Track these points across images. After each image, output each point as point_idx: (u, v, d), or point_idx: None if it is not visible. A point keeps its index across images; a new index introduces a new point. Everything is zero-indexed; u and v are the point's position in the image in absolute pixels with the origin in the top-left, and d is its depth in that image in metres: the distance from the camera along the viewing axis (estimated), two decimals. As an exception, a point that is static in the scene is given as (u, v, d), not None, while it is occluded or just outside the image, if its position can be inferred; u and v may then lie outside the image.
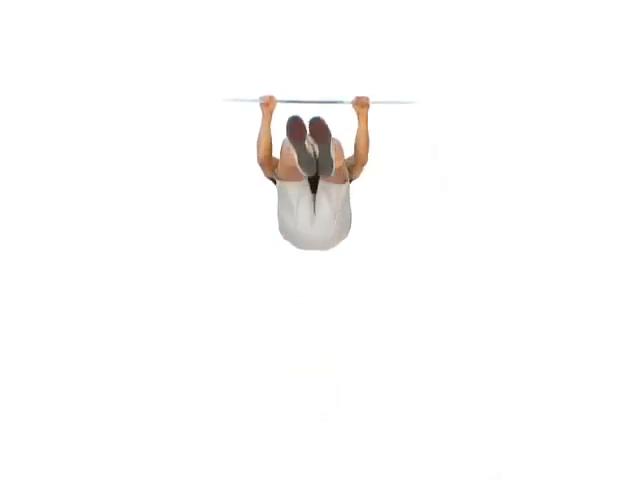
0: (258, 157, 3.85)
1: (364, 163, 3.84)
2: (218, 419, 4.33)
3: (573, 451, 4.01)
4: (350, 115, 3.85)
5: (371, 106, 3.84)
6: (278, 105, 3.82)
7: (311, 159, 3.54)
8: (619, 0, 5.17)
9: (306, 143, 3.50)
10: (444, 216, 5.30)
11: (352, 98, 3.86)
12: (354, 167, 3.85)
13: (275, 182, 3.90)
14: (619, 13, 5.18)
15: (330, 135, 3.47)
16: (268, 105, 3.81)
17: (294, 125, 3.46)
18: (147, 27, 5.14)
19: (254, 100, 3.84)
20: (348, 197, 3.75)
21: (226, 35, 5.10)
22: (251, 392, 4.54)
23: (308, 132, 3.49)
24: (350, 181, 3.89)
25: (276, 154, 3.88)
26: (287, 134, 3.47)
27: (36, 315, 5.13)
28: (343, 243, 3.95)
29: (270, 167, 3.87)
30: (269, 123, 3.82)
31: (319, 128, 3.45)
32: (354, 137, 3.79)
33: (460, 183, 5.31)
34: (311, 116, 3.56)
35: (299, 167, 3.51)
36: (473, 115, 5.21)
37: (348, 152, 3.85)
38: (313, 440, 4.03)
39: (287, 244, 3.93)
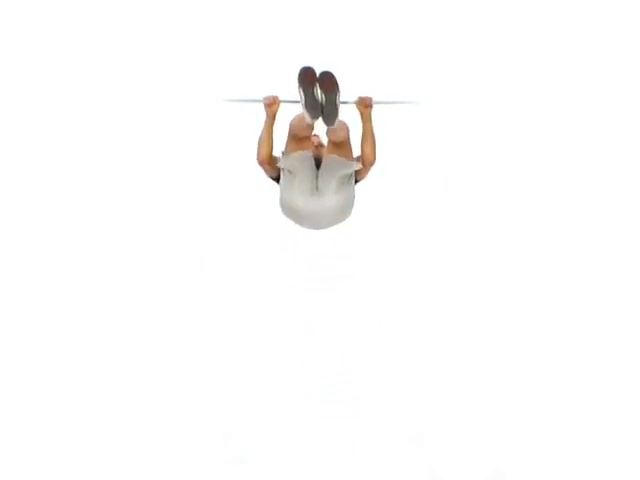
0: (259, 157, 3.84)
1: (371, 163, 3.82)
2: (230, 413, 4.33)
3: (574, 449, 4.02)
4: (354, 115, 3.85)
5: (374, 106, 3.85)
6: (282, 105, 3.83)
7: (317, 103, 3.72)
8: (619, 1, 5.18)
9: (314, 91, 3.72)
10: (446, 215, 5.30)
11: (355, 98, 3.86)
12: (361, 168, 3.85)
13: (278, 180, 3.90)
14: (619, 14, 5.19)
15: (337, 86, 3.72)
16: (272, 106, 3.80)
17: (306, 72, 3.71)
18: (150, 28, 5.13)
19: (257, 100, 3.83)
20: (352, 177, 3.84)
21: (230, 36, 5.09)
22: (255, 392, 4.53)
23: (318, 82, 3.72)
24: (356, 182, 3.88)
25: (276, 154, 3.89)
26: (298, 79, 3.71)
27: (34, 313, 5.14)
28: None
29: (271, 167, 3.86)
30: (272, 124, 3.81)
31: (328, 79, 3.71)
32: (359, 138, 3.80)
33: (462, 183, 5.31)
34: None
35: (305, 111, 3.70)
36: (476, 115, 5.20)
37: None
38: (320, 434, 4.02)
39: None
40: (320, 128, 3.96)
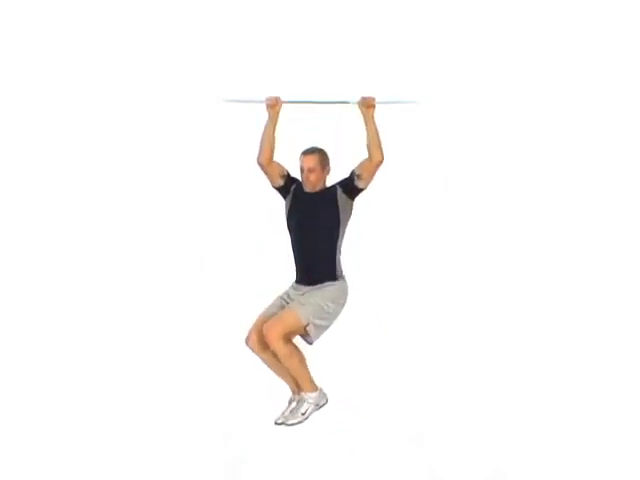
0: (259, 158, 3.84)
1: (380, 163, 3.79)
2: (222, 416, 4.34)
3: (575, 449, 4.03)
4: (356, 115, 3.86)
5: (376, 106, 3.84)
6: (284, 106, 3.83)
7: None
8: (619, 1, 5.20)
9: None
10: (446, 215, 5.32)
11: (358, 99, 3.86)
12: (367, 167, 3.82)
13: (283, 195, 3.89)
14: (619, 14, 5.21)
15: None
16: (274, 106, 3.80)
17: None
18: (150, 28, 5.15)
19: (260, 101, 3.83)
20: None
21: (232, 36, 5.11)
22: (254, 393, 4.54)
23: None
24: (360, 190, 3.86)
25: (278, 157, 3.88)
26: None
27: (33, 312, 5.15)
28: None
29: (271, 169, 3.85)
30: (275, 124, 3.82)
31: None
32: (365, 138, 3.80)
33: (462, 183, 5.33)
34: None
35: None
36: (476, 115, 5.23)
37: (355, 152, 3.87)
38: (320, 433, 4.03)
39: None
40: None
